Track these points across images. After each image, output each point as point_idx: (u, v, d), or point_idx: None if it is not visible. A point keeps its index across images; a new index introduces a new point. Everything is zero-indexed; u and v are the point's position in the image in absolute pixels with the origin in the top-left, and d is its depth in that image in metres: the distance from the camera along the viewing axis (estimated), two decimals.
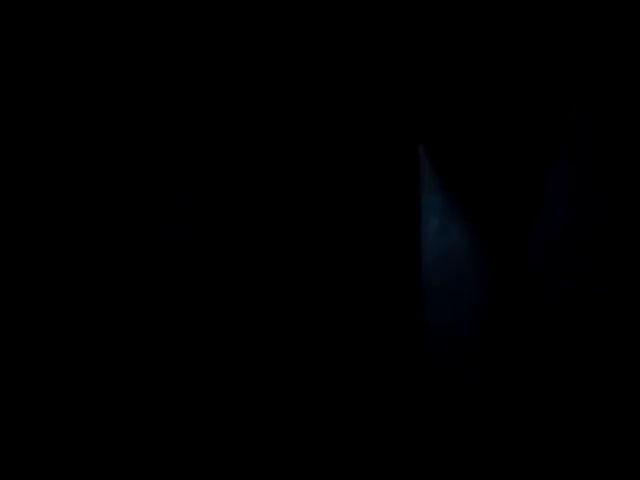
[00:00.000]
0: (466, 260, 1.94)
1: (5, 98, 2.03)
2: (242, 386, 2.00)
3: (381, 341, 2.00)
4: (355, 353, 2.00)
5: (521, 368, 1.91)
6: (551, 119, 1.95)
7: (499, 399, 1.91)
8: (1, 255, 1.98)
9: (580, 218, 1.97)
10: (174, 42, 2.07)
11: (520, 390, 1.90)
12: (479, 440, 1.91)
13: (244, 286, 2.03)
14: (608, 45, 1.98)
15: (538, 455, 1.90)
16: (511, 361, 1.90)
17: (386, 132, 2.09)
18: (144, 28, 2.07)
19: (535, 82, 1.92)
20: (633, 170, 1.97)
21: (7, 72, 2.02)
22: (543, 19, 1.92)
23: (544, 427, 1.91)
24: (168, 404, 1.99)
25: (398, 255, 2.03)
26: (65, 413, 1.96)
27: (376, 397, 1.97)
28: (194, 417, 2.00)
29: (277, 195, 2.05)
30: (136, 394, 1.99)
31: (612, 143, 1.99)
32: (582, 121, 1.98)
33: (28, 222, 2.00)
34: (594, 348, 1.95)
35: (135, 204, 2.02)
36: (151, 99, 2.05)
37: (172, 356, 2.01)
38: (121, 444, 1.97)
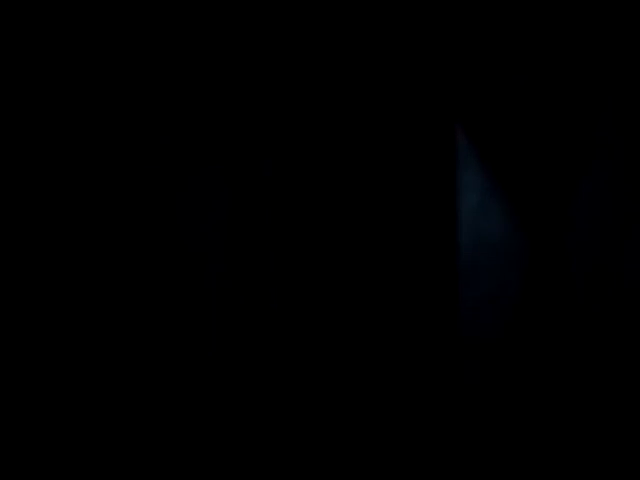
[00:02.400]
0: (504, 239, 1.94)
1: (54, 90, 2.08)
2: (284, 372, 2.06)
3: (416, 315, 2.01)
4: (391, 328, 2.02)
5: (556, 348, 1.91)
6: (596, 97, 1.95)
7: (532, 375, 1.92)
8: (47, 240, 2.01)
9: (624, 205, 1.96)
10: (209, 39, 2.10)
11: (553, 370, 1.91)
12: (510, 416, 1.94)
13: (278, 272, 2.05)
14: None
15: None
16: (546, 340, 1.90)
17: (423, 109, 2.08)
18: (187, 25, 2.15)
19: (577, 61, 1.92)
20: None
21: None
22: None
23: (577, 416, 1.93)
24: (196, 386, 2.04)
25: (433, 231, 2.04)
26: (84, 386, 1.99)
27: (412, 370, 2.00)
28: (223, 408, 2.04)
29: (312, 173, 2.07)
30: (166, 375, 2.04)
31: None
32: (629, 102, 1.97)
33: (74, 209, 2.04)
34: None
35: (175, 193, 2.08)
36: (191, 96, 2.09)
37: (210, 339, 2.06)
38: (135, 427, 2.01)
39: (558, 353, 1.90)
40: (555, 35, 1.90)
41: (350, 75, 2.12)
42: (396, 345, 2.02)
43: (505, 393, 1.94)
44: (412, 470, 2.05)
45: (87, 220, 2.04)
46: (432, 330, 2.00)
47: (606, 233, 1.97)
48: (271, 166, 2.03)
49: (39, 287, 2.01)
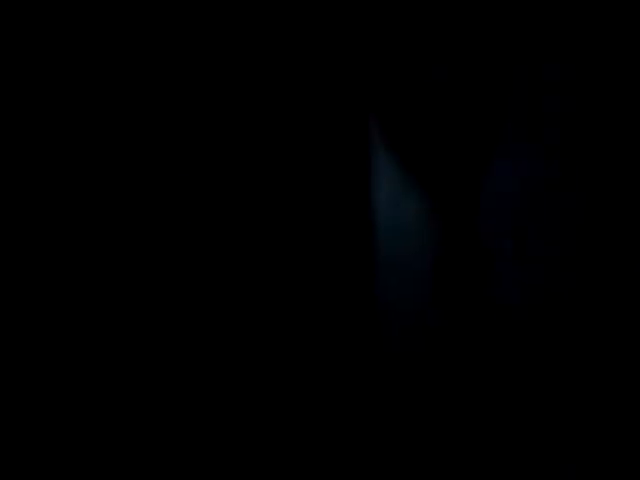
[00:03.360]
0: (417, 230, 1.93)
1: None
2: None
3: (331, 316, 1.97)
4: (306, 329, 1.95)
5: (471, 337, 1.91)
6: (506, 91, 1.92)
7: (450, 371, 1.89)
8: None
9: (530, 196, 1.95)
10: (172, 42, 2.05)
11: (469, 363, 1.90)
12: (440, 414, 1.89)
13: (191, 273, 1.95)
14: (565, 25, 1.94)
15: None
16: (461, 331, 1.90)
17: (334, 98, 2.02)
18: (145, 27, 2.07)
19: (494, 55, 1.91)
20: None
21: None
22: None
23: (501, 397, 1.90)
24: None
25: (348, 226, 2.00)
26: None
27: (332, 371, 1.95)
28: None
29: (219, 171, 1.94)
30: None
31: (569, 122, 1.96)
32: (534, 99, 1.94)
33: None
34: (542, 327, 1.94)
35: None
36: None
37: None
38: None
39: (475, 341, 1.90)
40: (467, 24, 1.88)
41: (257, 65, 1.99)
42: (310, 345, 1.96)
43: (428, 391, 1.92)
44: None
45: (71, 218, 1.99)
46: (350, 328, 1.99)
47: (519, 217, 1.93)
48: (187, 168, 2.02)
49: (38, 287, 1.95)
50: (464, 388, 1.89)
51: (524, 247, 1.94)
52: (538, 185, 1.94)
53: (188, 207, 1.97)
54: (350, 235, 2.00)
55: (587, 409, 1.89)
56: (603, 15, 1.94)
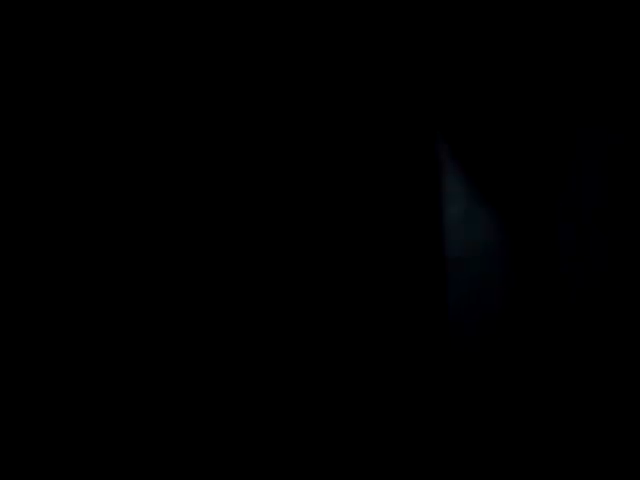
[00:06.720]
0: (491, 245, 1.97)
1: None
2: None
3: (405, 321, 2.04)
4: (380, 334, 2.05)
5: (545, 356, 1.93)
6: (576, 105, 1.96)
7: (521, 384, 1.94)
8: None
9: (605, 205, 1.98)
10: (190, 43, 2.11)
11: (541, 373, 1.93)
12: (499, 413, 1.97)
13: (270, 276, 2.08)
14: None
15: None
16: (536, 348, 1.94)
17: (406, 119, 2.09)
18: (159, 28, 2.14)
19: (558, 65, 1.93)
20: None
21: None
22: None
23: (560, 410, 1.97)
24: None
25: (420, 241, 2.06)
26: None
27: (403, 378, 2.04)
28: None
29: (299, 181, 2.09)
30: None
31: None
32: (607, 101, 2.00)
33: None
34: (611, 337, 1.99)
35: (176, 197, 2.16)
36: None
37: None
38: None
39: (547, 355, 1.92)
40: (534, 43, 1.91)
41: (333, 85, 2.14)
42: (386, 349, 2.04)
43: (494, 392, 1.97)
44: (402, 469, 2.10)
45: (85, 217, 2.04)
46: (421, 337, 2.02)
47: (593, 232, 1.98)
48: (268, 174, 2.06)
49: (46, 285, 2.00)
50: (530, 392, 1.94)
51: (596, 263, 1.96)
52: (605, 209, 1.97)
53: (280, 217, 2.10)
54: (423, 246, 2.06)
55: None
56: None
